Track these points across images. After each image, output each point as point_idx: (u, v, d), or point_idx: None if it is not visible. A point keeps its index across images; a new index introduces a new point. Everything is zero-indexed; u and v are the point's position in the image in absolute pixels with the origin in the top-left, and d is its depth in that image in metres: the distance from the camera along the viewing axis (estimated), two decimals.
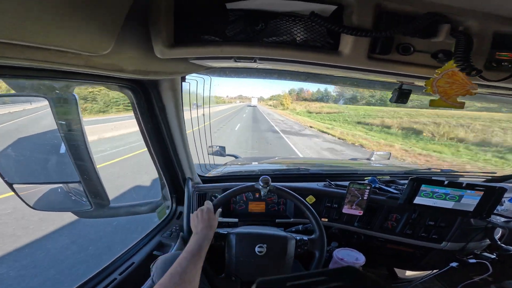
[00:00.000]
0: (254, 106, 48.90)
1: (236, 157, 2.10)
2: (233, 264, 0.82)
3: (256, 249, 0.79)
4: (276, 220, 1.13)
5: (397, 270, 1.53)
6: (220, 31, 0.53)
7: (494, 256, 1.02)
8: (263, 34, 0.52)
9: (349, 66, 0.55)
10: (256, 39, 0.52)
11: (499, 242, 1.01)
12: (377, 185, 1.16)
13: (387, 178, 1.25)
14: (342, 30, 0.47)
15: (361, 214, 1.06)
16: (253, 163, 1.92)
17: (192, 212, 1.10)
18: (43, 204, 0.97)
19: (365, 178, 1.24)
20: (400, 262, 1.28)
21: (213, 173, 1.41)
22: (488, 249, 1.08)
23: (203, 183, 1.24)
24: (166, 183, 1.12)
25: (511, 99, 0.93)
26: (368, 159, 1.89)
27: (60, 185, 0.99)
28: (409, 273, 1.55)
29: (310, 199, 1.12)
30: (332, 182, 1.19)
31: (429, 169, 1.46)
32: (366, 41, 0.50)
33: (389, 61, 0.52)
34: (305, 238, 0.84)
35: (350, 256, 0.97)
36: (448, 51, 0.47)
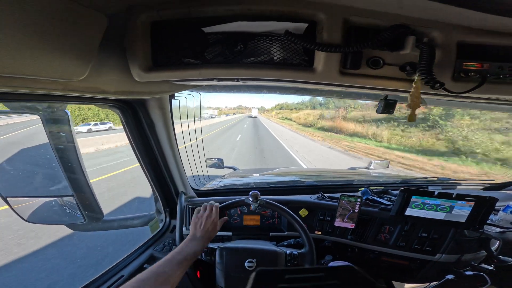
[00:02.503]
0: (255, 117, 49.62)
1: (234, 169, 2.10)
2: (223, 278, 0.81)
3: (246, 264, 0.79)
4: (270, 234, 1.12)
5: (395, 283, 1.48)
6: (198, 54, 0.55)
7: (492, 268, 0.97)
8: (243, 55, 0.54)
9: (323, 82, 0.56)
10: (235, 60, 0.54)
11: (495, 253, 0.96)
12: (369, 197, 1.14)
13: (381, 188, 1.22)
14: (313, 47, 0.49)
15: (353, 227, 1.04)
16: (254, 175, 1.91)
17: (185, 225, 1.10)
18: (37, 217, 0.99)
19: (359, 189, 1.21)
20: (397, 275, 1.23)
21: (208, 186, 1.42)
22: (486, 261, 1.03)
23: (198, 197, 1.25)
24: (159, 197, 1.14)
25: (488, 105, 0.91)
26: (366, 168, 1.87)
27: (55, 198, 1.02)
28: (407, 285, 1.50)
29: (303, 212, 1.11)
30: (326, 194, 1.17)
31: (426, 177, 1.43)
32: (337, 57, 0.51)
33: (360, 76, 0.53)
34: (295, 252, 0.84)
35: None
36: (414, 64, 0.47)
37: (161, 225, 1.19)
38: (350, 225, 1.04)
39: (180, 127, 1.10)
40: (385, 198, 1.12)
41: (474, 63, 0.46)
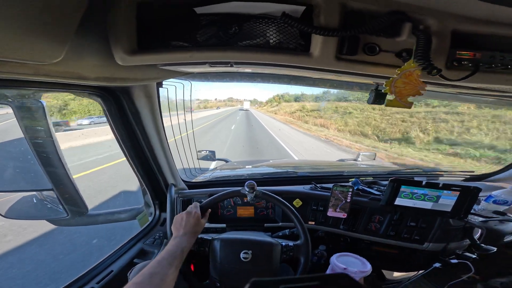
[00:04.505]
0: (247, 110, 48.49)
1: (226, 161, 2.09)
2: (218, 270, 0.80)
3: (241, 255, 0.78)
4: (265, 225, 1.12)
5: (385, 272, 1.55)
6: (189, 36, 0.51)
7: (475, 256, 1.02)
8: (237, 38, 0.52)
9: (319, 67, 0.55)
10: (230, 43, 0.51)
11: (478, 242, 1.01)
12: (360, 187, 1.16)
13: (370, 179, 1.25)
14: (311, 30, 0.47)
15: (345, 217, 1.05)
16: (246, 166, 1.91)
17: None
18: (16, 213, 0.93)
19: (350, 180, 1.24)
20: (387, 264, 1.28)
21: (200, 178, 1.39)
22: (469, 249, 1.08)
23: (189, 189, 1.22)
24: (147, 190, 1.10)
25: (478, 98, 0.94)
26: (354, 160, 1.91)
27: (33, 192, 0.96)
28: (396, 274, 1.57)
29: (297, 202, 1.12)
30: (318, 185, 1.18)
31: (411, 169, 1.48)
32: (334, 42, 0.50)
33: (356, 62, 0.52)
34: (291, 244, 0.83)
35: (353, 264, 0.84)
36: (411, 50, 0.47)
37: (150, 218, 1.16)
38: (343, 215, 1.05)
39: (169, 118, 1.06)
40: (375, 188, 1.15)
41: (467, 52, 0.46)
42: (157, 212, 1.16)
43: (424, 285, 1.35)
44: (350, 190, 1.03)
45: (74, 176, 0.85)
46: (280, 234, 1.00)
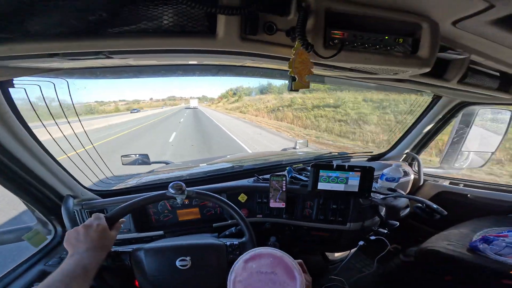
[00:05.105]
0: (195, 108, 44.57)
1: (166, 163, 1.89)
2: (150, 283, 0.70)
3: (177, 263, 0.70)
4: (214, 225, 1.05)
5: (328, 254, 1.67)
6: (11, 25, 0.41)
7: (387, 231, 1.14)
8: (108, 25, 0.44)
9: (225, 49, 0.53)
10: (91, 31, 0.43)
11: (383, 219, 1.12)
12: (292, 175, 1.22)
13: (300, 166, 1.32)
14: (215, 11, 0.44)
15: (284, 206, 1.08)
16: (200, 165, 1.73)
17: None
18: None
19: (286, 169, 1.29)
20: (327, 246, 1.36)
21: (121, 185, 1.20)
22: (381, 225, 1.19)
23: (103, 198, 1.02)
24: (32, 207, 0.87)
25: (363, 83, 1.01)
26: (294, 148, 2.04)
27: None
28: (337, 254, 1.73)
29: (242, 197, 1.10)
30: (260, 177, 1.18)
31: (330, 153, 1.66)
32: (237, 22, 0.49)
33: (258, 42, 0.52)
34: (236, 242, 0.78)
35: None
36: (295, 28, 0.48)
37: (49, 237, 0.96)
38: (282, 205, 1.07)
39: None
40: (304, 175, 1.21)
41: (338, 31, 0.51)
42: (59, 229, 0.96)
43: (362, 259, 1.54)
44: (284, 179, 1.06)
45: None
46: (227, 233, 0.95)
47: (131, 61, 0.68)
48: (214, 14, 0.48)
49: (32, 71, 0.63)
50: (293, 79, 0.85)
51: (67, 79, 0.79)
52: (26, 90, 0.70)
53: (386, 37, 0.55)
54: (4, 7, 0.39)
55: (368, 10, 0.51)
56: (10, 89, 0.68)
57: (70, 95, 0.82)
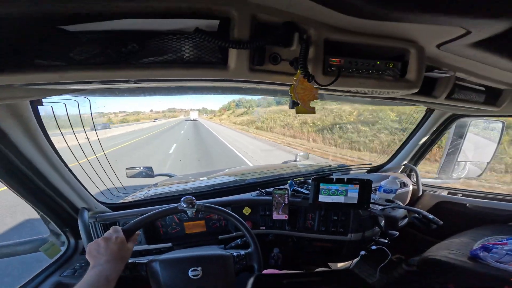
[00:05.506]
0: (195, 120, 44.54)
1: (170, 176, 1.92)
2: None
3: (190, 273, 0.74)
4: (219, 237, 1.08)
5: (331, 264, 1.67)
6: (58, 55, 0.46)
7: (387, 241, 1.15)
8: (138, 56, 0.49)
9: (236, 79, 0.59)
10: (125, 61, 0.48)
11: (383, 229, 1.14)
12: (294, 188, 1.26)
13: (301, 179, 1.37)
14: (227, 45, 0.49)
15: (287, 218, 1.11)
16: (201, 179, 1.77)
17: None
18: None
19: (288, 182, 1.33)
20: (329, 257, 1.37)
21: (129, 198, 1.24)
22: (381, 235, 1.20)
23: (114, 211, 1.06)
24: (48, 218, 0.92)
25: (360, 98, 1.07)
26: (294, 160, 2.08)
27: None
28: (340, 264, 1.71)
29: (247, 210, 1.13)
30: (263, 190, 1.22)
31: (330, 165, 1.71)
32: (247, 54, 0.53)
33: (265, 71, 0.57)
34: (242, 253, 0.83)
35: None
36: (298, 59, 0.54)
37: (63, 248, 0.99)
38: (284, 217, 1.11)
39: (69, 138, 0.93)
40: (305, 188, 1.25)
41: (335, 58, 0.57)
42: (72, 240, 1.00)
43: (363, 271, 1.53)
44: (286, 192, 1.11)
45: None
46: (233, 244, 0.98)
47: (152, 84, 0.74)
48: (226, 49, 0.53)
49: (61, 91, 0.69)
50: (296, 103, 0.93)
51: (89, 97, 0.86)
52: (53, 108, 0.77)
53: (378, 62, 0.61)
54: (55, 38, 0.44)
55: (362, 38, 0.58)
56: (39, 107, 0.75)
57: (91, 113, 0.89)
